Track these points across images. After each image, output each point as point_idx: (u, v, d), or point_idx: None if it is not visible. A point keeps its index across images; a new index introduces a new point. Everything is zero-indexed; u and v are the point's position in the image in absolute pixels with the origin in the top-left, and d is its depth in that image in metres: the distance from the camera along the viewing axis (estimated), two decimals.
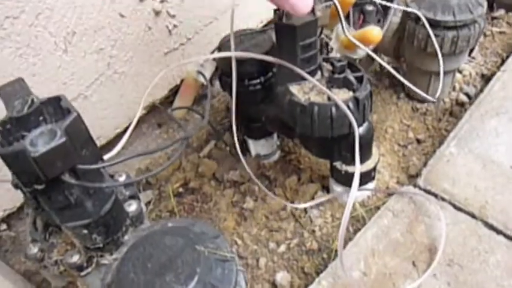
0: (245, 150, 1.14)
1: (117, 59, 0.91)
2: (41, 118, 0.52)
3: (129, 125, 0.99)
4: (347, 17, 1.00)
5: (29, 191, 0.50)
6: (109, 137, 0.97)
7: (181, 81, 1.04)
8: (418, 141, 1.13)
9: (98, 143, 0.95)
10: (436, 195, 0.87)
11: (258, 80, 0.92)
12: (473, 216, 0.83)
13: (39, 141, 0.47)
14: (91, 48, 0.85)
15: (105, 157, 0.61)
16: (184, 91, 1.02)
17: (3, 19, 0.71)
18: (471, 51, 1.26)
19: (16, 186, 0.60)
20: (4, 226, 0.90)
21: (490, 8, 1.46)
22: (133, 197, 0.71)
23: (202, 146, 1.21)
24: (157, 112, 1.09)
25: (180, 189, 1.12)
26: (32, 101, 0.53)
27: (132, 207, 0.68)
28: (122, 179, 0.72)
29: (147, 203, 1.08)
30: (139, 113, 0.75)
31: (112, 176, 0.71)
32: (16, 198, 0.86)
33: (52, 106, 0.53)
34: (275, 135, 1.11)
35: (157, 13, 0.94)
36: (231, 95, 0.93)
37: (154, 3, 0.92)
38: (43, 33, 0.77)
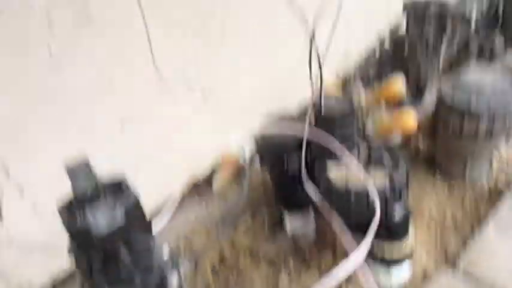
0: (282, 226, 1.16)
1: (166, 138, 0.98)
2: (103, 198, 0.57)
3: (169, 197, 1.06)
4: (387, 105, 1.06)
5: (85, 262, 0.55)
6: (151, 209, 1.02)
7: (223, 159, 1.10)
8: (456, 223, 1.12)
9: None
10: (476, 280, 0.86)
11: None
12: None
13: (101, 221, 0.52)
14: (142, 129, 0.94)
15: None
16: (225, 167, 1.07)
17: None
18: (508, 135, 1.28)
19: (70, 253, 0.65)
20: None
21: None
22: (174, 269, 0.74)
23: (239, 220, 1.24)
24: (199, 188, 1.14)
25: (216, 263, 1.14)
26: (96, 182, 0.59)
27: (174, 279, 0.71)
28: (166, 250, 0.76)
29: (184, 277, 1.10)
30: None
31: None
32: (66, 263, 0.91)
33: (114, 187, 0.59)
34: (311, 212, 1.13)
35: (205, 98, 1.02)
36: (269, 172, 0.98)
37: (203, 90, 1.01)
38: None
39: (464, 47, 1.52)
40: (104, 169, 0.67)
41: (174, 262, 0.73)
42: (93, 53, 0.80)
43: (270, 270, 1.09)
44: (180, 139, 1.02)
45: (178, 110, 0.99)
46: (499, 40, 1.49)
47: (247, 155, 1.04)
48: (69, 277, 0.95)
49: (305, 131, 0.83)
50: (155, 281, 0.61)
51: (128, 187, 0.57)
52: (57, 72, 0.77)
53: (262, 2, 1.02)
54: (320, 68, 0.83)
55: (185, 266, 1.12)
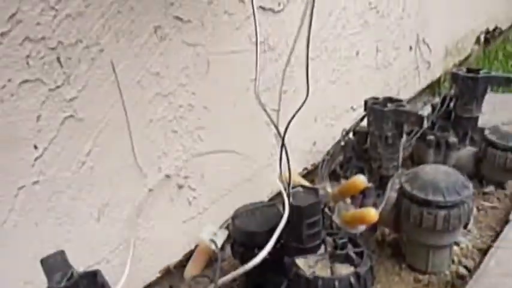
0: None
1: (141, 227, 1.01)
2: None
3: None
4: (352, 197, 1.13)
5: None
6: None
7: (196, 247, 1.12)
8: None
9: None
10: None
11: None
12: None
13: None
14: (120, 217, 0.96)
15: None
16: (197, 257, 1.09)
17: (51, 194, 0.84)
18: (466, 224, 1.35)
19: None
20: None
21: (480, 184, 1.59)
22: None
23: None
24: (170, 276, 1.14)
25: None
26: (72, 274, 0.61)
27: None
28: None
29: None
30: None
31: None
32: None
33: (88, 279, 0.61)
34: None
35: (180, 187, 1.07)
36: (241, 262, 1.01)
37: (179, 179, 1.06)
38: (81, 205, 0.89)
39: (423, 139, 1.65)
40: (79, 260, 0.70)
41: None
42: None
43: None
44: (154, 227, 1.04)
45: (155, 200, 1.03)
46: (452, 135, 1.62)
47: (220, 244, 1.07)
48: None
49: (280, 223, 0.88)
50: None
51: (102, 278, 0.59)
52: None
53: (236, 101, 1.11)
54: (288, 162, 0.90)
55: None
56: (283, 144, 0.89)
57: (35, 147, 0.80)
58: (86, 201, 0.90)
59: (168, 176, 1.04)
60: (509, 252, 1.16)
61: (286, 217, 0.86)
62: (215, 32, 1.05)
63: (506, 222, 1.31)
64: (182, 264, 1.15)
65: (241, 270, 0.90)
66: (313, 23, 0.87)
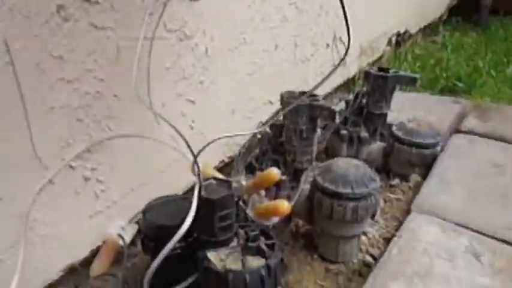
0: None
1: (40, 222, 0.93)
2: None
3: None
4: (266, 189, 1.13)
5: None
6: None
7: (103, 243, 1.07)
8: None
9: None
10: None
11: (178, 244, 0.97)
12: None
13: None
14: (15, 213, 0.88)
15: None
16: (104, 253, 1.04)
17: None
18: (374, 215, 1.42)
19: None
20: None
21: (388, 177, 1.69)
22: None
23: None
24: (75, 274, 1.08)
25: None
26: None
27: None
28: None
29: None
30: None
31: None
32: None
33: None
34: None
35: (86, 179, 1.01)
36: (151, 257, 0.97)
37: (85, 171, 1.00)
38: None
39: (337, 133, 1.71)
40: None
41: None
42: None
43: None
44: (57, 223, 0.97)
45: (57, 193, 0.95)
46: (364, 130, 1.70)
47: (128, 239, 1.02)
48: None
49: (188, 215, 0.85)
50: None
51: None
52: None
53: None
54: (194, 156, 0.88)
55: None
56: (188, 144, 0.86)
57: None
58: None
59: (72, 168, 0.97)
60: (409, 241, 1.23)
61: (195, 209, 0.83)
62: (126, 16, 1.00)
63: (409, 212, 1.40)
64: (89, 261, 1.08)
65: (153, 267, 0.87)
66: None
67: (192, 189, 1.07)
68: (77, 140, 0.96)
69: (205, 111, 1.31)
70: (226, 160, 1.47)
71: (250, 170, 1.30)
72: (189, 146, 0.86)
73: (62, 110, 0.91)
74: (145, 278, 0.89)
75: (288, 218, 1.41)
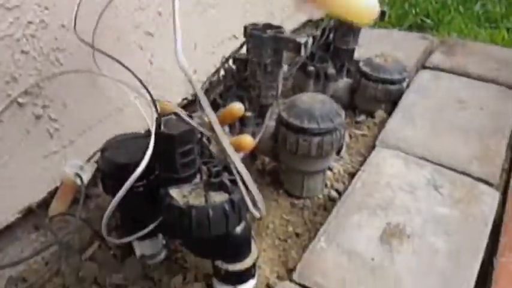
0: (130, 251, 1.12)
1: None
2: None
3: (0, 230, 0.95)
4: (230, 126, 1.10)
5: None
6: None
7: (61, 183, 1.03)
8: (297, 235, 1.20)
9: None
10: None
11: (140, 183, 0.94)
12: None
13: None
14: None
15: None
16: (62, 193, 1.00)
17: None
18: (339, 151, 1.43)
19: None
20: None
21: (354, 113, 1.69)
22: None
23: (85, 248, 1.17)
24: (34, 215, 1.04)
25: None
26: None
27: None
28: None
29: None
30: None
31: None
32: None
33: None
34: (160, 235, 1.11)
35: (37, 117, 0.95)
36: (113, 197, 0.94)
37: (35, 108, 0.93)
38: None
39: (303, 69, 1.67)
40: None
41: None
42: None
43: None
44: (7, 164, 0.92)
45: (6, 133, 0.89)
46: (331, 66, 1.67)
47: (87, 178, 0.98)
48: None
49: (147, 151, 0.82)
50: None
51: None
52: None
53: None
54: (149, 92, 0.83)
55: None
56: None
57: None
58: None
59: (20, 105, 0.90)
60: (373, 175, 1.25)
61: (153, 145, 0.80)
62: None
63: (373, 147, 1.41)
64: (47, 202, 1.04)
65: (112, 204, 0.84)
66: None
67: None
68: (24, 75, 0.89)
69: (165, 45, 1.24)
70: (190, 98, 1.42)
71: (214, 107, 1.26)
72: (141, 82, 0.81)
73: (2, 41, 0.83)
74: (104, 218, 0.87)
75: (253, 155, 1.40)
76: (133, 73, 0.82)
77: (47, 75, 0.92)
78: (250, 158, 1.34)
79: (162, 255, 1.14)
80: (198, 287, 1.05)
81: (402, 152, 1.34)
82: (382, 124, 1.57)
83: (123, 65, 0.81)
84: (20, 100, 0.89)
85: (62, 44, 0.94)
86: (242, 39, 1.51)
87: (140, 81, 0.79)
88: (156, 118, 0.85)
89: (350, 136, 1.57)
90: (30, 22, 0.87)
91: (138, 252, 1.11)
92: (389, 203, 1.15)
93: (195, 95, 1.43)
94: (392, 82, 1.58)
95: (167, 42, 1.25)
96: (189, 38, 1.36)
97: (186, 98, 1.41)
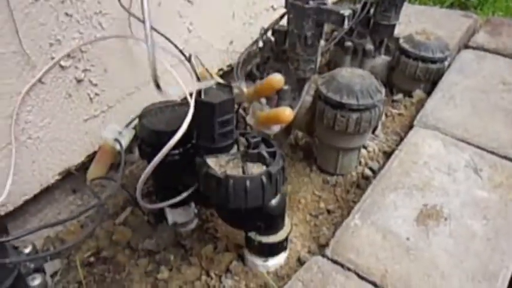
0: (162, 218, 1.14)
1: (33, 124, 0.89)
2: None
3: (40, 191, 0.98)
4: (267, 98, 1.08)
5: None
6: (17, 203, 0.93)
7: (99, 148, 1.04)
8: (329, 211, 1.20)
9: (5, 210, 0.91)
10: (342, 265, 0.93)
11: (176, 151, 0.94)
12: (375, 285, 0.89)
13: None
14: (4, 113, 0.84)
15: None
16: (101, 158, 1.01)
17: None
18: (374, 129, 1.40)
19: None
20: None
21: (391, 92, 1.64)
22: (38, 270, 0.68)
23: (118, 212, 1.19)
24: (72, 178, 1.06)
25: (91, 259, 1.08)
26: None
27: (36, 281, 0.65)
28: (28, 250, 0.70)
29: (54, 274, 1.02)
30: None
31: (16, 248, 0.68)
32: None
33: None
34: (192, 204, 1.12)
35: (79, 81, 0.95)
36: (149, 163, 0.95)
37: (76, 72, 0.94)
38: None
39: (340, 45, 1.63)
40: None
41: (35, 261, 0.67)
42: None
43: (149, 264, 1.06)
44: (49, 126, 0.93)
45: (48, 95, 0.90)
46: (369, 42, 1.62)
47: (125, 144, 0.99)
48: None
49: (186, 118, 0.81)
50: (10, 282, 0.55)
51: None
52: None
53: None
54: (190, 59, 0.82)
55: (54, 265, 1.04)
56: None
57: None
58: None
59: (63, 67, 0.91)
60: (410, 154, 1.22)
61: (192, 112, 0.79)
62: None
63: (411, 127, 1.37)
64: (85, 166, 1.06)
65: (148, 169, 0.85)
66: None
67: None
68: (67, 38, 0.89)
69: (204, 13, 1.22)
70: (226, 69, 1.40)
71: (250, 78, 1.25)
72: (180, 51, 0.79)
73: (47, 2, 0.83)
74: (138, 183, 0.87)
75: (287, 130, 1.38)
76: (171, 41, 0.82)
77: (89, 39, 0.92)
78: (284, 132, 1.32)
79: (194, 223, 1.15)
80: (229, 257, 1.06)
81: (441, 133, 1.30)
82: (420, 104, 1.52)
83: (160, 33, 0.80)
84: (62, 63, 0.90)
85: (104, 8, 0.94)
86: (280, 10, 1.48)
87: (180, 51, 0.78)
88: (197, 84, 0.84)
89: (386, 115, 1.53)
90: None
91: (170, 220, 1.12)
92: (427, 184, 1.12)
93: (231, 66, 1.41)
94: (433, 61, 1.52)
95: (206, 11, 1.23)
96: (228, 8, 1.33)
97: (221, 69, 1.39)
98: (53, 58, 0.88)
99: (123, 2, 0.95)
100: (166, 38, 0.85)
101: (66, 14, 0.87)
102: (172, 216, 1.12)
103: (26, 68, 0.84)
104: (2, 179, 0.86)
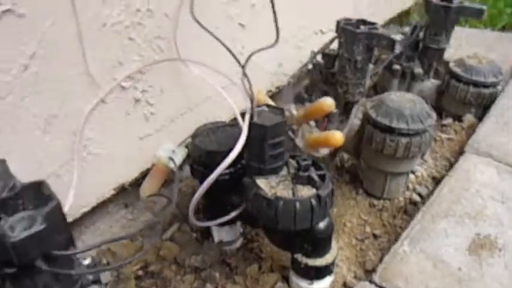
0: (208, 235, 1.16)
1: (93, 141, 0.94)
2: (20, 202, 0.54)
3: (96, 205, 1.02)
4: (316, 121, 1.09)
5: None
6: (76, 216, 0.98)
7: (153, 165, 1.08)
8: (375, 236, 1.18)
9: None
10: None
11: (227, 171, 0.96)
12: None
13: (18, 227, 0.49)
14: (69, 130, 0.89)
15: None
16: (154, 175, 1.05)
17: None
18: (423, 154, 1.38)
19: None
20: None
21: (440, 116, 1.62)
22: (95, 282, 0.71)
23: (166, 228, 1.22)
24: (125, 193, 1.10)
25: (140, 272, 1.11)
26: (14, 184, 0.55)
27: None
28: (87, 262, 0.73)
29: (105, 285, 1.06)
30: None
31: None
32: None
33: (32, 190, 0.55)
34: (238, 223, 1.14)
35: (137, 101, 1.00)
36: (200, 182, 0.98)
37: (135, 92, 0.99)
38: (25, 114, 0.81)
39: (388, 68, 1.62)
40: (25, 173, 0.63)
41: (95, 273, 0.70)
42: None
43: (195, 281, 1.08)
44: (108, 142, 0.98)
45: (109, 113, 0.95)
46: (418, 65, 1.61)
47: (179, 162, 1.03)
48: None
49: (240, 140, 0.83)
50: None
51: (48, 190, 0.54)
52: None
53: None
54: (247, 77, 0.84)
55: (105, 275, 1.08)
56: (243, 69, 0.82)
57: None
58: (31, 111, 0.81)
59: (123, 88, 0.96)
60: (462, 181, 1.19)
61: (246, 134, 0.81)
62: None
63: (461, 153, 1.34)
64: (138, 182, 1.10)
65: (201, 189, 0.87)
66: None
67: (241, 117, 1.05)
68: (128, 60, 0.94)
69: (256, 36, 1.25)
70: (274, 90, 1.43)
71: (298, 100, 1.26)
72: (244, 71, 0.82)
73: (113, 28, 0.89)
74: (192, 202, 0.90)
75: (333, 152, 1.38)
76: (238, 61, 0.84)
77: (149, 62, 0.97)
78: (329, 155, 1.33)
79: (239, 242, 1.16)
80: (274, 277, 1.06)
81: (494, 160, 1.26)
82: (471, 129, 1.48)
83: (230, 51, 0.82)
84: (123, 84, 0.95)
85: (163, 33, 0.99)
86: (329, 34, 1.50)
87: (245, 74, 0.81)
88: (251, 108, 0.86)
89: (435, 139, 1.50)
90: (138, 10, 0.92)
91: (216, 238, 1.14)
92: (479, 213, 1.09)
93: (279, 88, 1.44)
94: (485, 85, 1.49)
95: (258, 34, 1.26)
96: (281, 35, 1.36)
97: (270, 91, 1.42)
98: (115, 79, 0.93)
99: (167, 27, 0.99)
100: (235, 57, 0.87)
101: (129, 38, 0.92)
102: (218, 234, 1.13)
103: (90, 89, 0.90)
104: (64, 192, 0.91)
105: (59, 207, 0.52)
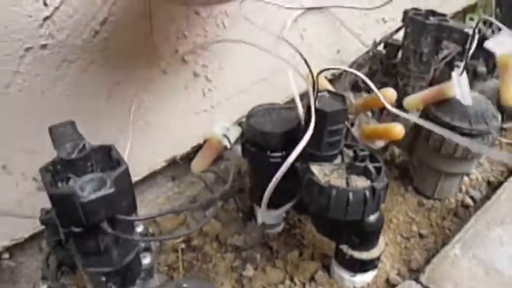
0: (251, 216, 1.16)
1: (150, 110, 0.95)
2: (89, 164, 0.55)
3: (148, 174, 1.04)
4: (372, 112, 1.06)
5: (64, 232, 0.52)
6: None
7: (205, 141, 1.08)
8: (421, 235, 1.15)
9: None
10: None
11: (279, 153, 0.95)
12: None
13: (88, 188, 0.49)
14: (131, 97, 0.90)
15: None
16: (207, 151, 1.05)
17: (60, 62, 0.76)
18: (480, 157, 1.32)
19: (43, 223, 0.62)
20: (7, 255, 0.90)
21: (501, 118, 1.54)
22: (147, 249, 0.72)
23: (210, 205, 1.23)
24: (174, 166, 1.12)
25: (182, 245, 1.12)
26: (84, 146, 0.56)
27: (146, 259, 0.69)
28: (140, 229, 0.74)
29: None
30: None
31: None
32: (25, 229, 0.87)
33: (101, 154, 0.56)
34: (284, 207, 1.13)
35: (196, 76, 1.00)
36: (249, 163, 0.97)
37: (196, 67, 0.98)
38: (92, 79, 0.82)
39: (448, 66, 1.55)
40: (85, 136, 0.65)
41: (147, 244, 0.71)
42: None
43: (235, 260, 1.08)
44: (165, 113, 0.99)
45: (168, 84, 0.96)
46: (482, 64, 1.53)
47: (233, 140, 1.02)
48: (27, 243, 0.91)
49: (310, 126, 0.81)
50: (131, 257, 0.59)
51: (118, 154, 0.54)
52: None
53: None
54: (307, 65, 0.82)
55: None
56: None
57: (45, 4, 0.71)
58: (97, 76, 0.83)
59: (185, 61, 0.96)
60: None
61: (314, 120, 0.79)
62: None
63: None
64: (189, 156, 1.11)
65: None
66: None
67: (292, 101, 1.03)
68: (193, 34, 0.94)
69: (318, 19, 1.22)
70: (329, 77, 1.40)
71: (355, 89, 1.23)
72: (301, 55, 0.80)
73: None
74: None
75: (385, 146, 1.35)
76: (295, 49, 0.82)
77: (211, 38, 0.96)
78: (381, 148, 1.29)
79: (281, 227, 1.16)
80: (314, 265, 1.05)
81: None
82: None
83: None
84: (185, 57, 0.95)
85: (228, 9, 0.98)
86: (391, 23, 1.45)
87: (305, 61, 0.79)
88: (313, 92, 0.84)
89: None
90: None
91: (259, 220, 1.14)
92: None
93: (334, 75, 1.41)
94: None
95: (320, 18, 1.23)
96: (341, 19, 1.32)
97: (326, 77, 1.39)
98: (177, 51, 0.93)
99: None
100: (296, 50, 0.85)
101: (195, 12, 0.92)
102: (262, 216, 1.13)
103: (153, 58, 0.90)
104: None
105: (127, 172, 0.53)
